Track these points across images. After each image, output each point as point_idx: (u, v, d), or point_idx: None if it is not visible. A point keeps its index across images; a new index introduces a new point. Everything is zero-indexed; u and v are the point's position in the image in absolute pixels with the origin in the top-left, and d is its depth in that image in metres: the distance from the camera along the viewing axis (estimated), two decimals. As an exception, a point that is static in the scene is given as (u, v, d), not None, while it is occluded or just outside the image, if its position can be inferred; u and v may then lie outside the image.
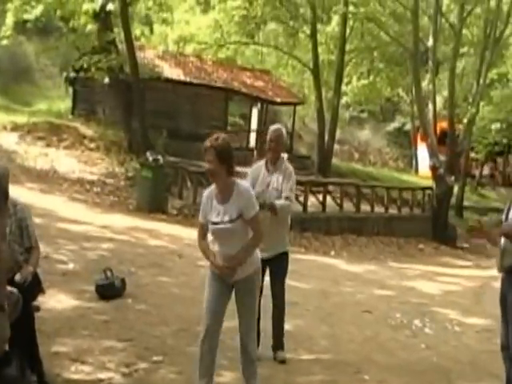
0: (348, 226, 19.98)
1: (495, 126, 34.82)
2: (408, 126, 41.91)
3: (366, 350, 7.75)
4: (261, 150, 23.96)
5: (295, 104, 31.11)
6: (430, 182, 26.57)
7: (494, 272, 16.85)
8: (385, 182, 28.32)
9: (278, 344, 6.63)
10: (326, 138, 28.61)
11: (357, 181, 24.64)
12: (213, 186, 4.96)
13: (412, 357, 7.71)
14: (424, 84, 26.39)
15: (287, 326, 7.76)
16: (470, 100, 27.52)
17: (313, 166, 28.19)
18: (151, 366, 5.90)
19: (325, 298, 10.15)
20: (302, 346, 7.42)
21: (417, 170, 38.01)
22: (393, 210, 22.88)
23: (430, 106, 25.00)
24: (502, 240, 5.74)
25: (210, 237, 5.05)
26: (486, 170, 39.08)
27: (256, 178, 6.50)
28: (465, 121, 26.49)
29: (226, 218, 4.84)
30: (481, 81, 25.96)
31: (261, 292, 6.57)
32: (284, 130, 6.80)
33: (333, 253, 17.13)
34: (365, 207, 21.34)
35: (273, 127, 6.83)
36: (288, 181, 6.53)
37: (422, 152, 37.09)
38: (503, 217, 5.90)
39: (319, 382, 6.32)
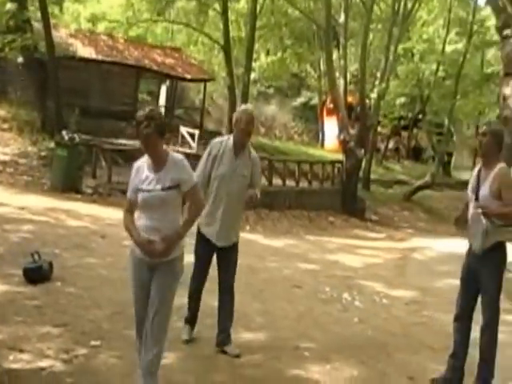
0: (261, 200, 19.85)
1: (400, 100, 35.58)
2: (314, 101, 42.27)
3: (301, 325, 7.65)
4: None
5: (205, 80, 31.09)
6: (335, 156, 26.92)
7: (410, 244, 17.30)
8: (293, 155, 28.45)
9: (226, 339, 6.28)
10: (236, 113, 28.35)
11: (267, 155, 24.63)
12: (144, 158, 4.74)
13: (347, 331, 7.68)
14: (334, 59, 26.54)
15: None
16: (378, 75, 27.92)
17: (222, 142, 27.94)
18: (90, 351, 5.61)
19: (253, 274, 9.96)
20: (238, 323, 7.19)
21: (323, 144, 38.45)
22: (303, 184, 23.01)
23: (341, 81, 25.18)
24: (483, 220, 5.62)
25: (136, 213, 4.78)
26: (391, 144, 39.95)
27: (220, 157, 6.15)
28: (372, 95, 26.85)
29: (158, 187, 4.64)
30: (390, 56, 26.33)
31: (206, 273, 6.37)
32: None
33: (248, 228, 17.02)
34: (276, 181, 21.34)
35: (244, 108, 6.52)
36: (257, 171, 6.36)
37: (329, 126, 37.74)
38: (469, 194, 5.88)
39: (262, 361, 6.16)
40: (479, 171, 5.83)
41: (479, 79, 34.89)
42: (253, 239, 13.68)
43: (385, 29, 28.83)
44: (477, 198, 5.73)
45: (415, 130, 41.77)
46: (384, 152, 37.92)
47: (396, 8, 26.61)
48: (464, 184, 31.23)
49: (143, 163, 4.73)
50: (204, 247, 6.23)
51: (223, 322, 6.29)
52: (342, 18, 25.15)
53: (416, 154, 41.70)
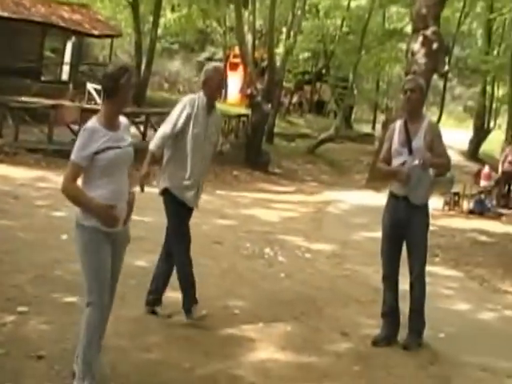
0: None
1: (303, 55, 35.64)
2: (218, 56, 41.90)
3: (227, 282, 7.49)
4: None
5: (112, 36, 30.35)
6: (238, 109, 26.71)
7: (322, 197, 17.42)
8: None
9: (158, 300, 6.05)
10: (143, 69, 27.91)
11: (162, 110, 24.32)
12: (94, 120, 4.21)
13: (275, 287, 7.58)
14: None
15: (141, 263, 7.35)
16: (284, 30, 27.83)
17: (128, 97, 27.44)
18: (18, 317, 5.28)
19: (172, 231, 9.71)
20: (164, 283, 7.00)
21: (225, 98, 38.25)
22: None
23: (249, 37, 24.90)
24: (430, 171, 5.76)
25: (96, 181, 4.18)
26: (295, 98, 40.08)
27: (195, 116, 5.79)
28: (278, 51, 26.71)
29: (125, 143, 4.26)
30: (298, 12, 26.25)
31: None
32: None
33: (155, 183, 16.66)
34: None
35: (215, 66, 6.21)
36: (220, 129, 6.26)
37: (232, 80, 37.54)
38: (398, 148, 5.86)
39: (193, 320, 5.96)
40: (405, 125, 5.83)
41: (382, 35, 35.33)
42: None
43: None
44: (410, 152, 5.73)
45: (318, 85, 42.03)
46: (288, 106, 38.03)
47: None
48: (365, 137, 32.16)
49: (96, 124, 4.19)
50: (182, 211, 5.98)
51: (157, 281, 6.03)
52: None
53: (318, 107, 42.06)
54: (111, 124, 4.23)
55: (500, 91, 38.95)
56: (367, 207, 14.34)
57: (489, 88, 37.56)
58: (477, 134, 36.60)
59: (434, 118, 28.40)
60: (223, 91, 38.97)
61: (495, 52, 35.38)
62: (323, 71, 38.49)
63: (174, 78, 42.56)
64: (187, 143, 5.78)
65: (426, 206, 5.90)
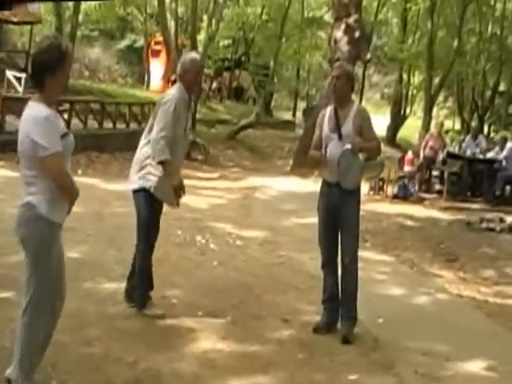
0: (92, 143, 19.27)
1: (223, 42, 35.50)
2: (138, 44, 41.30)
3: (162, 272, 7.25)
4: None
5: (33, 23, 29.10)
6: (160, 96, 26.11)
7: (248, 183, 17.37)
8: (120, 98, 27.59)
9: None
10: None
11: (98, 98, 23.78)
12: (41, 106, 3.84)
13: (210, 275, 7.48)
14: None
15: (74, 254, 7.13)
16: (205, 18, 27.63)
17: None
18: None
19: (102, 221, 9.45)
20: (99, 274, 6.81)
21: (148, 85, 37.75)
22: (134, 126, 22.43)
23: (172, 24, 24.54)
24: (360, 156, 5.76)
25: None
26: (214, 85, 39.89)
27: (179, 115, 5.64)
28: (199, 38, 26.47)
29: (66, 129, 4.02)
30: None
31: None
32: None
33: (80, 171, 16.29)
34: (107, 124, 20.63)
35: (192, 57, 6.13)
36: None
37: (154, 68, 37.11)
38: (328, 133, 5.87)
39: (131, 312, 5.86)
40: (335, 112, 5.83)
41: (301, 23, 35.54)
42: (93, 183, 13.07)
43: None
44: (340, 137, 5.74)
45: (237, 72, 41.97)
46: (207, 92, 37.78)
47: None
48: (286, 123, 32.33)
49: (48, 110, 3.85)
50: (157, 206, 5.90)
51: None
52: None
53: (237, 94, 42.00)
54: (54, 107, 3.99)
55: (416, 79, 39.83)
56: (295, 193, 14.40)
57: (405, 76, 38.32)
58: (394, 121, 37.33)
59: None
60: (146, 78, 38.63)
61: (410, 40, 36.09)
62: (243, 58, 38.44)
63: (94, 66, 41.69)
64: (175, 144, 5.61)
65: (358, 191, 5.93)
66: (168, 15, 24.99)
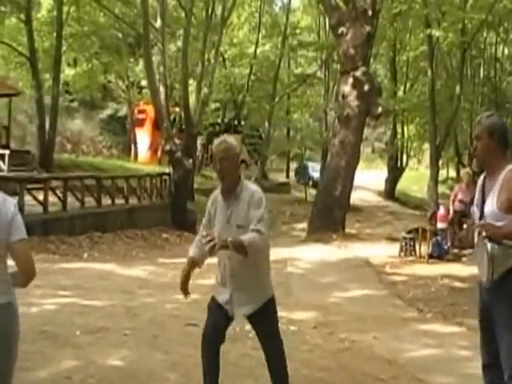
0: (91, 223, 18.28)
1: (210, 106, 34.98)
2: (121, 113, 40.70)
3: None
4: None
5: (11, 95, 28.29)
6: (151, 167, 25.58)
7: (273, 255, 16.19)
8: (112, 171, 26.76)
9: None
10: (47, 129, 26.51)
11: (83, 173, 22.92)
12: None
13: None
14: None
15: (115, 362, 6.07)
16: (192, 81, 27.03)
17: (34, 161, 25.67)
18: None
19: (135, 317, 8.25)
20: None
21: (136, 157, 36.99)
22: (133, 201, 21.52)
23: (162, 89, 23.75)
24: (489, 246, 4.14)
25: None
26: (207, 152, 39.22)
27: (214, 212, 4.82)
28: (190, 102, 25.77)
29: None
30: (212, 60, 25.50)
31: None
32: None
33: (86, 255, 15.27)
34: (105, 200, 19.77)
35: (218, 140, 4.76)
36: (255, 212, 4.65)
37: (141, 138, 36.48)
38: (474, 210, 4.47)
39: None
40: (484, 181, 4.38)
41: (293, 81, 35.19)
42: (109, 270, 12.00)
43: (199, 34, 27.88)
44: (481, 216, 4.29)
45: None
46: (201, 160, 37.06)
47: (210, 12, 25.82)
48: (281, 186, 31.68)
49: None
50: None
51: None
52: (158, 23, 23.77)
53: (231, 159, 41.24)
54: None
55: (409, 130, 39.36)
56: (326, 263, 13.44)
57: (399, 127, 37.91)
58: (392, 174, 36.81)
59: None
60: (133, 149, 37.84)
61: (401, 92, 35.75)
62: (233, 122, 37.82)
63: (76, 138, 40.97)
64: None
65: (509, 285, 4.19)
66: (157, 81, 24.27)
